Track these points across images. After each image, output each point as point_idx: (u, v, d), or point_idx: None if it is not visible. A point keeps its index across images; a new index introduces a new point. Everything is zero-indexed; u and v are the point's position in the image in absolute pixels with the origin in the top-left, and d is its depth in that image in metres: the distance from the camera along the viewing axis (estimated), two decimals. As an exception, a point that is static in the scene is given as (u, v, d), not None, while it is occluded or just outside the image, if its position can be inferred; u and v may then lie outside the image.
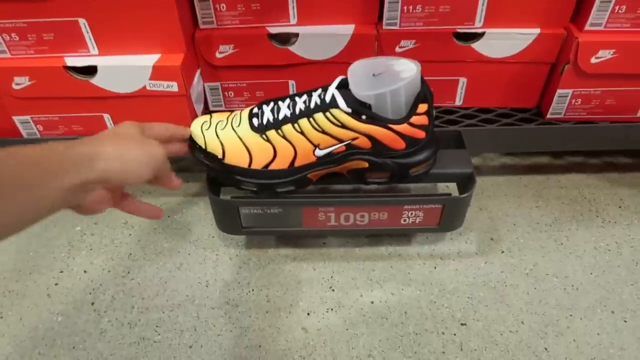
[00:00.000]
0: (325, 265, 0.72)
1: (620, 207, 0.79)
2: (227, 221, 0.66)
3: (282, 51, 0.70)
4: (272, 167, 0.58)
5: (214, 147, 0.58)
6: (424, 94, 0.56)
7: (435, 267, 0.71)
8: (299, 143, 0.57)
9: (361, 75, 0.56)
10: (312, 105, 0.56)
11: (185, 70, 0.66)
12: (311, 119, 0.56)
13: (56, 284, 0.71)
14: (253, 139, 0.58)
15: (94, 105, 0.69)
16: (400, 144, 0.57)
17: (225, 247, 0.75)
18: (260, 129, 0.58)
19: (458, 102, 0.77)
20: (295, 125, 0.56)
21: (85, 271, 0.72)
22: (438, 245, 0.74)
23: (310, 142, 0.56)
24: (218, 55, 0.70)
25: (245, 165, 0.58)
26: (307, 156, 0.57)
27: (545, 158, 0.89)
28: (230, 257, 0.74)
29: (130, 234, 0.77)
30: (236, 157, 0.58)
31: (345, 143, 0.56)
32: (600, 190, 0.82)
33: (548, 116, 0.74)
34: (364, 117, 0.55)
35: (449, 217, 0.65)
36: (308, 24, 0.69)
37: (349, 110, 0.54)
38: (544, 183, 0.84)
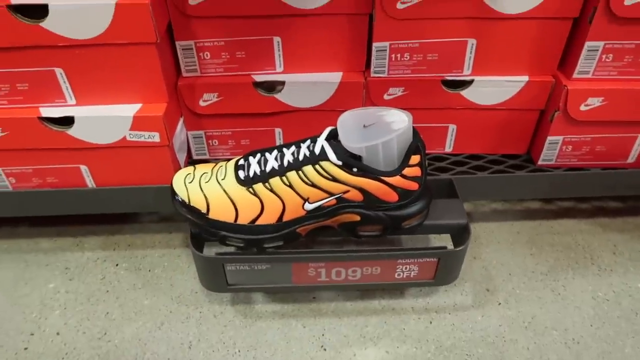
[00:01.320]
0: (315, 321, 0.68)
1: (614, 253, 0.78)
2: (212, 278, 0.62)
3: (268, 99, 0.68)
4: (260, 222, 0.55)
5: (198, 202, 0.55)
6: (416, 145, 0.54)
7: (430, 322, 0.68)
8: (287, 197, 0.54)
9: (351, 126, 0.54)
10: (301, 157, 0.54)
11: (168, 120, 0.63)
12: (300, 172, 0.53)
13: (25, 349, 0.65)
14: (239, 192, 0.55)
15: (71, 156, 0.65)
16: (393, 197, 0.55)
17: (209, 303, 0.71)
18: (247, 182, 0.55)
19: (448, 148, 0.76)
20: (284, 178, 0.54)
21: (57, 333, 0.67)
22: (433, 298, 0.71)
23: (300, 195, 0.54)
24: (202, 104, 0.68)
25: (231, 220, 0.55)
26: (296, 210, 0.55)
27: (536, 203, 0.87)
28: (214, 314, 0.69)
29: (107, 291, 0.73)
30: (221, 212, 0.55)
31: (335, 196, 0.54)
32: (593, 236, 0.81)
33: (539, 163, 0.73)
34: (355, 169, 0.52)
35: (445, 271, 0.62)
36: (294, 71, 0.68)
37: (340, 162, 0.52)
38: (536, 229, 0.82)
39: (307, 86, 0.68)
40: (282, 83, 0.68)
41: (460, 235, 0.62)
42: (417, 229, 0.60)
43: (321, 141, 0.54)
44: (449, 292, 0.72)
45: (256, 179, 0.55)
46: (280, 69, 0.68)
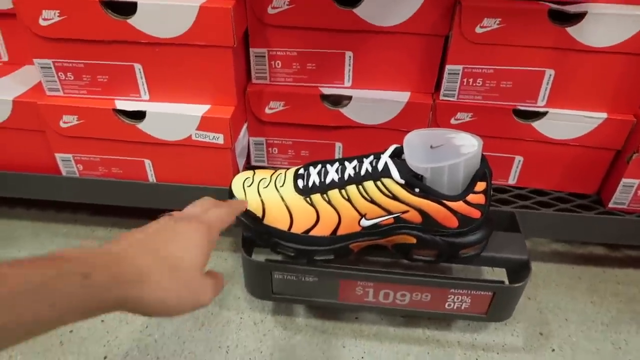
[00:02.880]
0: (356, 343, 0.66)
1: (685, 312, 0.72)
2: (258, 284, 0.62)
3: (332, 112, 0.68)
4: (313, 232, 0.54)
5: (255, 206, 0.55)
6: (483, 172, 0.52)
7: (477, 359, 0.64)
8: (344, 210, 0.53)
9: (418, 146, 0.53)
10: (363, 172, 0.53)
11: (233, 123, 0.64)
12: (360, 187, 0.52)
13: (70, 331, 0.67)
14: (296, 201, 0.55)
15: (137, 150, 0.67)
16: (453, 222, 0.53)
17: (250, 310, 0.70)
18: (305, 192, 0.55)
19: (511, 180, 0.73)
20: (343, 191, 0.53)
21: (102, 321, 0.68)
22: (481, 335, 0.67)
23: (357, 210, 0.53)
24: (267, 111, 0.69)
25: (285, 228, 0.55)
26: (352, 225, 0.54)
27: (600, 249, 0.82)
28: (255, 322, 0.69)
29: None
30: (276, 219, 0.55)
31: (394, 215, 0.53)
32: (663, 291, 0.75)
33: (610, 205, 0.69)
34: (417, 190, 0.51)
35: (499, 307, 0.59)
36: (362, 87, 0.68)
37: (402, 181, 0.51)
38: (599, 276, 0.77)
39: (373, 103, 0.67)
40: (349, 98, 0.67)
41: (519, 271, 0.59)
42: (474, 259, 0.58)
43: (385, 158, 0.53)
44: (499, 331, 0.68)
45: (315, 189, 0.54)
46: (349, 84, 0.68)
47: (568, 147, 0.67)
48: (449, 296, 0.59)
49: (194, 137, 0.65)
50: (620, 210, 0.69)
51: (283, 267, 0.59)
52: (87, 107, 0.64)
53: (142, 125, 0.65)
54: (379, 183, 0.52)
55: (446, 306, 0.59)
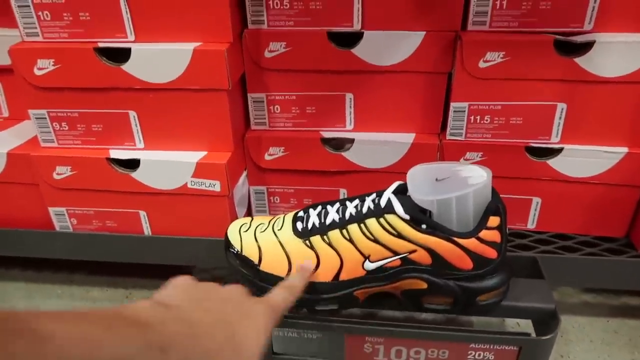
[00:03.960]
0: (368, 410, 0.59)
1: None
2: (256, 343, 0.56)
3: (335, 157, 0.65)
4: (314, 278, 0.49)
5: (250, 251, 0.51)
6: (495, 206, 0.47)
7: None
8: (346, 252, 0.49)
9: (422, 180, 0.49)
10: (365, 209, 0.49)
11: (231, 170, 0.61)
12: (362, 225, 0.48)
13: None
14: (294, 244, 0.50)
15: (131, 200, 0.65)
16: (467, 263, 0.48)
17: (251, 374, 0.64)
18: (304, 234, 0.50)
19: (531, 225, 0.68)
20: (344, 231, 0.49)
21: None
22: (510, 399, 0.60)
23: (360, 252, 0.48)
24: (267, 157, 0.66)
25: (283, 274, 0.50)
26: (355, 269, 0.49)
27: (636, 299, 0.75)
28: (255, 387, 0.62)
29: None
30: (273, 264, 0.50)
31: (400, 256, 0.48)
32: None
33: (642, 248, 0.63)
34: (423, 226, 0.46)
35: (527, 364, 0.52)
36: (365, 130, 0.65)
37: (407, 217, 0.46)
38: (639, 330, 0.69)
39: (377, 145, 0.64)
40: (351, 141, 0.65)
41: (546, 322, 0.53)
42: (494, 308, 0.52)
43: (388, 194, 0.49)
44: (530, 394, 0.60)
45: (314, 231, 0.50)
46: (351, 127, 0.65)
47: (589, 185, 0.63)
48: (470, 352, 0.52)
49: (189, 185, 0.62)
50: (654, 253, 0.63)
51: (283, 322, 0.53)
52: (80, 156, 0.62)
53: (136, 174, 0.62)
54: (382, 220, 0.47)
55: (467, 364, 0.53)
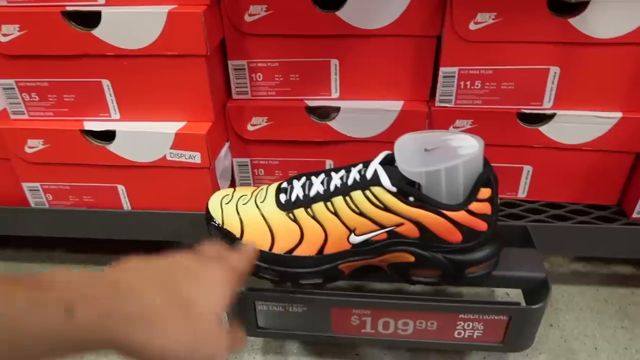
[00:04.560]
0: (356, 383, 0.58)
1: None
2: (241, 318, 0.55)
3: (320, 126, 0.63)
4: (297, 252, 0.48)
5: (232, 224, 0.49)
6: (487, 177, 0.46)
7: (496, 398, 0.56)
8: (331, 226, 0.47)
9: (411, 150, 0.47)
10: (350, 181, 0.47)
11: (211, 141, 0.59)
12: (347, 198, 0.46)
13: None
14: (278, 217, 0.48)
15: (109, 174, 0.62)
16: (456, 236, 0.46)
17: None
18: (288, 207, 0.48)
19: (522, 194, 0.66)
20: (329, 204, 0.47)
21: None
22: (499, 369, 0.59)
23: (345, 225, 0.46)
24: (250, 128, 0.64)
25: (266, 248, 0.48)
26: (340, 243, 0.47)
27: (627, 267, 0.74)
28: (242, 362, 0.61)
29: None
30: (256, 238, 0.48)
31: (387, 229, 0.46)
32: (703, 312, 0.66)
33: (634, 215, 0.61)
34: (411, 199, 0.45)
35: (517, 333, 0.51)
36: (351, 98, 0.63)
37: (394, 189, 0.44)
38: (629, 298, 0.69)
39: (363, 114, 0.62)
40: (337, 109, 0.62)
41: (537, 291, 0.52)
42: (484, 280, 0.50)
43: (374, 165, 0.47)
44: (519, 364, 0.60)
45: (298, 203, 0.48)
46: (336, 95, 0.63)
47: (581, 152, 0.61)
48: (458, 323, 0.51)
49: (169, 157, 0.59)
50: (646, 220, 0.62)
51: (266, 296, 0.52)
52: (52, 129, 0.59)
53: (112, 147, 0.59)
54: (367, 192, 0.45)
55: (456, 335, 0.52)
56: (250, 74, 0.62)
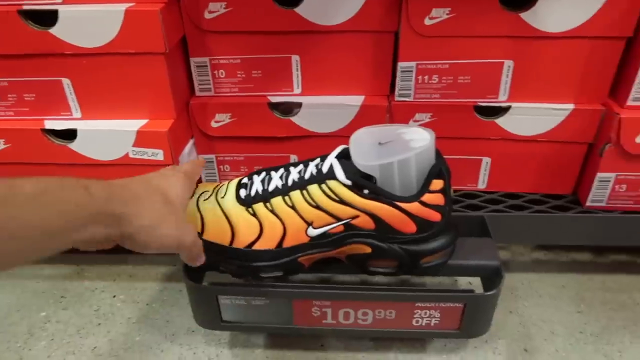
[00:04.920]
0: (321, 373, 0.59)
1: (682, 317, 0.66)
2: (205, 313, 0.56)
3: (283, 122, 0.64)
4: (257, 246, 0.49)
5: (193, 221, 0.50)
6: (438, 169, 0.47)
7: (456, 383, 0.58)
8: (289, 219, 0.48)
9: (366, 143, 0.48)
10: (307, 175, 0.48)
11: (174, 138, 0.59)
12: (304, 192, 0.47)
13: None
14: (238, 212, 0.49)
15: (72, 173, 0.61)
16: (410, 227, 0.47)
17: (205, 344, 0.63)
18: (247, 202, 0.49)
19: (481, 185, 0.68)
20: (287, 198, 0.48)
21: (36, 365, 0.61)
22: (459, 355, 0.61)
23: (303, 218, 0.47)
24: (214, 125, 0.64)
25: (226, 243, 0.49)
26: (298, 236, 0.48)
27: (585, 255, 0.77)
28: (209, 357, 0.62)
29: (99, 324, 0.67)
30: (216, 233, 0.49)
31: (343, 222, 0.47)
32: (655, 296, 0.69)
33: (587, 204, 0.64)
34: (366, 191, 0.46)
35: (473, 320, 0.53)
36: (313, 93, 0.64)
37: (349, 182, 0.46)
38: (585, 284, 0.71)
39: (325, 109, 0.63)
40: (299, 105, 0.63)
41: (492, 279, 0.53)
42: (439, 269, 0.52)
43: (330, 159, 0.48)
44: (478, 350, 0.61)
45: (257, 198, 0.49)
46: (298, 91, 0.64)
47: (537, 143, 0.63)
48: (416, 311, 0.52)
49: (131, 155, 0.59)
50: (599, 208, 0.64)
51: (229, 289, 0.53)
52: (13, 128, 0.59)
53: (74, 146, 0.59)
54: (323, 186, 0.47)
55: (414, 323, 0.53)
56: (212, 70, 0.62)
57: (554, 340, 0.63)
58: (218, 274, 0.53)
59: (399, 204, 0.46)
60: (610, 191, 0.62)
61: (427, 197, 0.47)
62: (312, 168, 0.49)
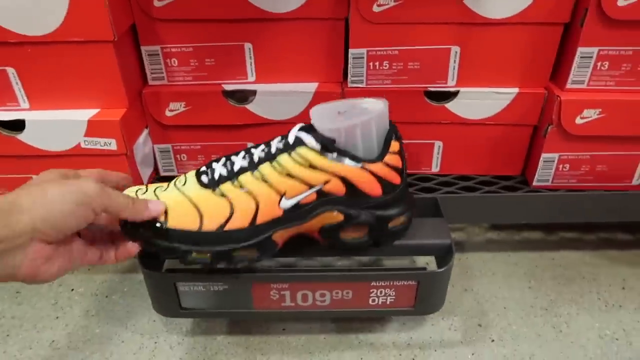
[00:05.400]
0: (282, 356, 0.60)
1: (623, 288, 0.70)
2: (163, 300, 0.56)
3: (238, 110, 0.64)
4: (229, 226, 0.47)
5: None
6: (395, 130, 0.50)
7: (413, 359, 0.59)
8: (261, 193, 0.47)
9: (326, 114, 0.49)
10: (274, 150, 0.48)
11: (127, 127, 0.59)
12: (274, 163, 0.47)
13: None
14: (204, 195, 0.48)
15: (22, 165, 0.61)
16: (377, 189, 0.49)
17: (167, 333, 0.64)
18: (212, 184, 0.48)
19: (435, 168, 0.70)
20: (256, 172, 0.47)
21: (-12, 362, 0.60)
22: (417, 332, 0.63)
23: (275, 190, 0.47)
24: (168, 114, 0.64)
25: (195, 228, 0.47)
26: (272, 209, 0.48)
27: (536, 234, 0.80)
28: (171, 345, 0.62)
29: (57, 317, 0.66)
30: (182, 219, 0.47)
31: (315, 189, 0.48)
32: (600, 270, 0.73)
33: (534, 184, 0.66)
34: (334, 154, 0.47)
35: (426, 297, 0.55)
36: (267, 81, 0.64)
37: (318, 146, 0.46)
38: (536, 261, 0.75)
39: (280, 96, 0.63)
40: (254, 93, 0.63)
41: (445, 257, 0.55)
42: (404, 232, 0.54)
43: (294, 132, 0.48)
44: (435, 327, 0.64)
45: (222, 179, 0.48)
46: (252, 78, 0.64)
47: (486, 127, 0.65)
48: (372, 290, 0.54)
49: (83, 145, 0.59)
50: (545, 187, 0.67)
51: (187, 276, 0.53)
52: (-43, 120, 0.57)
53: (23, 137, 0.58)
54: (293, 154, 0.47)
55: (370, 302, 0.55)
56: (164, 59, 0.62)
57: (507, 314, 0.65)
58: (174, 261, 0.53)
59: (365, 165, 0.48)
60: (554, 171, 0.65)
61: (388, 158, 0.49)
62: (276, 144, 0.49)
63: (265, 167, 0.48)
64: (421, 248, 0.56)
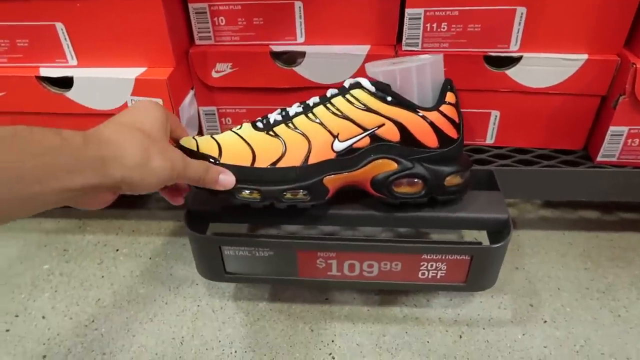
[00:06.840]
0: (325, 325, 0.59)
1: (688, 273, 0.65)
2: (208, 264, 0.55)
3: (286, 72, 0.62)
4: (282, 164, 0.46)
5: (208, 148, 0.46)
6: (450, 82, 0.49)
7: (460, 337, 0.57)
8: (314, 134, 0.47)
9: (379, 65, 0.48)
10: (329, 95, 0.48)
11: (174, 87, 0.58)
12: (329, 104, 0.47)
13: (7, 330, 0.60)
14: (258, 136, 0.47)
15: (68, 123, 0.60)
16: (432, 139, 0.48)
17: (209, 297, 0.63)
18: (267, 127, 0.48)
19: (489, 140, 0.66)
20: (310, 114, 0.47)
21: (43, 317, 0.61)
22: (464, 309, 0.61)
23: (329, 131, 0.47)
24: (214, 75, 0.62)
25: (248, 164, 0.46)
26: (325, 151, 0.47)
27: (593, 213, 0.76)
28: (213, 309, 0.62)
29: (103, 276, 0.67)
30: (236, 156, 0.46)
31: (369, 132, 0.47)
32: (663, 253, 0.68)
33: (598, 159, 0.62)
34: (389, 98, 0.46)
35: (479, 273, 0.52)
36: (317, 43, 0.61)
37: (373, 89, 0.46)
38: (592, 241, 0.70)
39: (330, 59, 0.60)
40: (303, 55, 0.61)
41: (500, 232, 0.52)
42: (462, 193, 0.52)
43: (348, 80, 0.48)
44: (484, 304, 0.61)
45: (277, 123, 0.48)
46: (302, 39, 0.61)
47: (548, 96, 0.61)
48: (422, 264, 0.52)
49: (130, 104, 0.58)
50: (610, 163, 0.62)
51: (232, 240, 0.52)
52: (6, 75, 0.57)
53: (70, 94, 0.58)
54: (348, 96, 0.47)
55: (420, 275, 0.53)
56: (212, 17, 0.60)
57: (560, 295, 0.62)
58: (222, 225, 0.52)
59: (421, 111, 0.47)
60: (622, 146, 0.60)
61: (444, 108, 0.48)
62: (331, 92, 0.49)
63: (319, 109, 0.48)
64: (476, 221, 0.54)
